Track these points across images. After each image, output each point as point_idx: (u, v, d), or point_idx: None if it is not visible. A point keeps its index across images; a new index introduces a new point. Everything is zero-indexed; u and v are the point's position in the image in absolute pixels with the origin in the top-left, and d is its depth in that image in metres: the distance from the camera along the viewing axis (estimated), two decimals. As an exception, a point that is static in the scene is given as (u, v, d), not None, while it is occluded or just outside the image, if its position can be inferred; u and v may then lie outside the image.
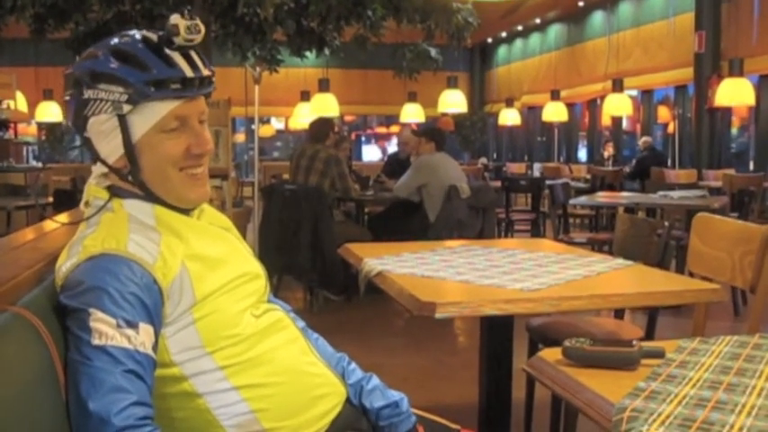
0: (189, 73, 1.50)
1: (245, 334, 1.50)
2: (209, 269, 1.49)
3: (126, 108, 1.48)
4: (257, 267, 1.65)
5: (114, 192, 1.53)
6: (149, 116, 1.49)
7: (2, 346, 1.13)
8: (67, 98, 1.54)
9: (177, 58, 1.51)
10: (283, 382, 1.52)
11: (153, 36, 1.52)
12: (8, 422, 1.02)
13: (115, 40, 1.54)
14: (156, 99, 1.48)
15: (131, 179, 1.52)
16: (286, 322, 1.62)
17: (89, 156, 1.57)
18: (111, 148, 1.51)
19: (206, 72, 1.53)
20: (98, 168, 1.55)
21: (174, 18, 1.49)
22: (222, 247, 1.58)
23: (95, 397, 1.26)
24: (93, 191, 1.55)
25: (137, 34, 1.54)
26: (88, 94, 1.48)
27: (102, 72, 1.48)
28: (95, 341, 1.29)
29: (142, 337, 1.33)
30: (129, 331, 1.32)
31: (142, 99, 1.47)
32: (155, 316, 1.38)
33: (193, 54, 1.53)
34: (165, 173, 1.53)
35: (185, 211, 1.58)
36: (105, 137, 1.51)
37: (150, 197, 1.53)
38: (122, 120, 1.48)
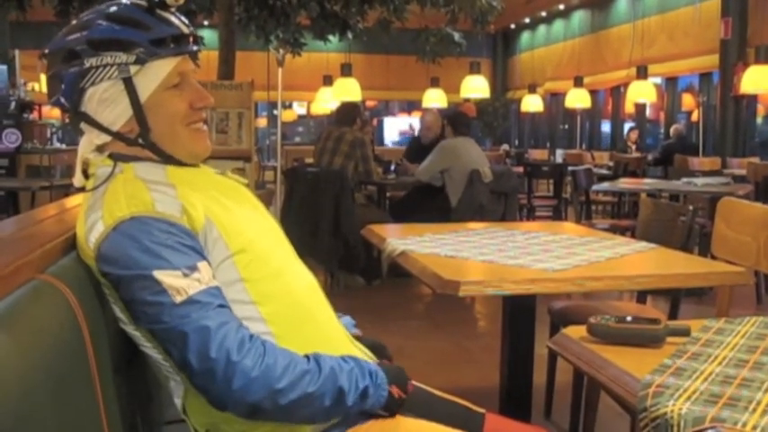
0: (185, 30, 1.56)
1: (280, 274, 1.52)
2: (233, 221, 1.50)
3: (133, 69, 1.50)
4: (275, 223, 1.67)
5: (117, 159, 1.53)
6: (154, 75, 1.52)
7: (32, 313, 1.14)
8: (54, 75, 1.53)
9: (170, 17, 1.56)
10: (308, 331, 1.51)
11: (140, 1, 1.55)
12: (38, 383, 1.03)
13: (103, 8, 1.55)
14: (161, 57, 1.52)
15: (142, 141, 1.54)
16: (319, 290, 1.64)
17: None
18: (116, 114, 1.52)
19: (192, 30, 1.59)
20: (95, 140, 1.54)
21: None
22: (240, 200, 1.60)
23: (210, 344, 1.31)
24: (96, 161, 1.54)
25: (122, 0, 1.57)
26: (90, 62, 1.49)
27: (103, 38, 1.50)
28: (178, 298, 1.33)
29: (205, 274, 1.38)
30: (196, 275, 1.36)
31: (149, 58, 1.50)
32: (202, 251, 1.41)
33: (179, 15, 1.58)
34: (175, 129, 1.56)
35: (194, 167, 1.61)
36: (109, 104, 1.52)
37: (160, 158, 1.55)
38: (128, 83, 1.50)
